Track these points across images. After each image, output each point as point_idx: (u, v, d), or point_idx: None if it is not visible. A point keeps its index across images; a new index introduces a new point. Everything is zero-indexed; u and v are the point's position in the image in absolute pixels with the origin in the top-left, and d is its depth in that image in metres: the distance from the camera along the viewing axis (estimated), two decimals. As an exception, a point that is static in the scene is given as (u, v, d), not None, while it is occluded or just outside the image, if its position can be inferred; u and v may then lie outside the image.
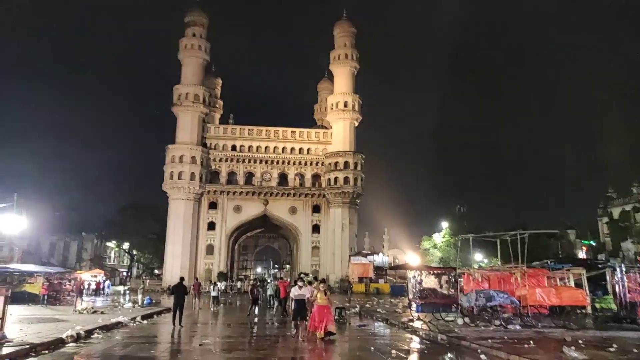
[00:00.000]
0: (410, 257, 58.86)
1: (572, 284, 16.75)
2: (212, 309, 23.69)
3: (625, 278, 16.01)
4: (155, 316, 19.89)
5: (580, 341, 11.36)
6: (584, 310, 15.39)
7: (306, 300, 12.91)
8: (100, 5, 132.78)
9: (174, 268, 48.23)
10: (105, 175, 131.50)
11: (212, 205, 53.91)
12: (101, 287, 36.96)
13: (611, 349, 10.31)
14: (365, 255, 49.52)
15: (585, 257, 47.76)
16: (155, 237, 57.99)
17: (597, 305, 16.37)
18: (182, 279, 17.13)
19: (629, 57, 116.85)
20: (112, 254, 74.19)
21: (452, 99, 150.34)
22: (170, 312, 18.25)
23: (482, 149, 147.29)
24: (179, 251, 50.25)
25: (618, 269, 16.47)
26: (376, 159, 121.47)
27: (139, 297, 25.35)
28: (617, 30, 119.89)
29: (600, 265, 18.77)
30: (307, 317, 13.04)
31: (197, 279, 34.25)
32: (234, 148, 55.30)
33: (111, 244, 69.17)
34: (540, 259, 23.20)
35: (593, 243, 56.20)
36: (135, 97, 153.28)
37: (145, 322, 17.62)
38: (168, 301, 24.45)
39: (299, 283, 13.57)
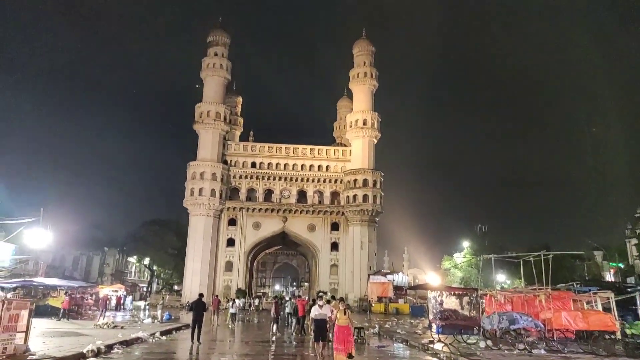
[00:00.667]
0: (431, 277, 57.97)
1: (600, 307, 16.20)
2: (230, 326, 23.64)
3: (656, 302, 15.42)
4: (174, 332, 19.95)
5: (609, 368, 10.93)
6: (613, 336, 14.81)
7: (327, 320, 12.26)
8: (125, 27, 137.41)
9: (193, 284, 48.45)
10: (129, 192, 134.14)
11: (232, 222, 54.26)
12: (122, 302, 37.32)
13: (642, 377, 9.89)
14: (384, 275, 48.94)
15: (613, 279, 46.19)
16: (176, 252, 58.57)
17: (628, 331, 15.72)
18: (201, 295, 17.17)
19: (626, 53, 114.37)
20: (133, 269, 75.12)
21: (473, 115, 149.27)
22: (189, 328, 18.28)
23: (505, 167, 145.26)
24: (199, 267, 50.51)
25: (648, 293, 15.89)
26: (396, 177, 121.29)
27: (159, 312, 25.48)
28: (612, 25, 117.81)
29: (629, 289, 18.10)
30: (330, 339, 12.53)
31: (217, 295, 34.27)
32: (253, 165, 55.83)
33: (132, 259, 70.05)
34: (566, 281, 22.56)
35: (621, 265, 54.25)
36: (159, 116, 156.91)
37: (164, 338, 17.69)
38: (187, 317, 24.52)
39: (319, 302, 12.71)
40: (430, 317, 22.32)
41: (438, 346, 15.57)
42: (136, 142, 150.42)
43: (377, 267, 54.83)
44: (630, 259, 54.74)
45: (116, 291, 38.60)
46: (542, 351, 13.94)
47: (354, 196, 53.46)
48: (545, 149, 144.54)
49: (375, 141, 56.92)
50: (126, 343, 14.64)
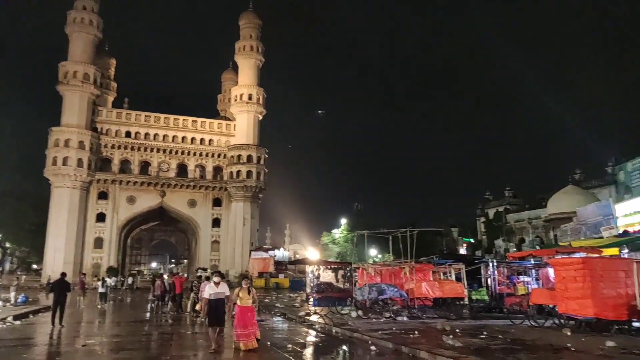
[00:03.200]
0: (310, 252, 60.19)
1: (453, 277, 18.42)
2: (99, 307, 22.06)
3: (496, 272, 18.03)
4: (31, 316, 18.00)
5: (457, 330, 12.55)
6: (462, 302, 17.00)
7: (225, 301, 10.18)
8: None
9: (56, 262, 43.97)
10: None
11: (103, 195, 50.14)
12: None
13: (482, 336, 11.55)
14: (266, 250, 49.71)
15: (465, 253, 52.71)
16: (35, 228, 52.30)
17: (473, 297, 18.17)
18: (63, 274, 15.77)
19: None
20: (-22, 247, 65.40)
21: (354, 102, 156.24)
22: (49, 311, 16.64)
23: (380, 152, 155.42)
24: (63, 244, 45.97)
25: (490, 264, 18.49)
26: (280, 155, 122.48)
27: (12, 294, 22.69)
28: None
29: (476, 261, 20.85)
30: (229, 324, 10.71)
31: (83, 274, 31.77)
32: (128, 134, 51.91)
33: (-23, 235, 60.95)
34: (428, 255, 25.13)
35: (472, 240, 62.14)
36: (16, 74, 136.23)
37: (18, 322, 15.87)
38: (48, 300, 22.26)
39: (215, 279, 10.40)
40: (308, 290, 23.37)
41: (314, 318, 16.36)
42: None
43: (259, 243, 55.38)
44: (479, 235, 62.84)
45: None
46: (405, 318, 15.51)
47: (238, 172, 52.86)
48: (415, 134, 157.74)
49: (260, 117, 56.63)
50: (-31, 331, 12.85)
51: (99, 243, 49.34)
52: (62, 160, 47.00)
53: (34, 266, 57.45)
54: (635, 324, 12.09)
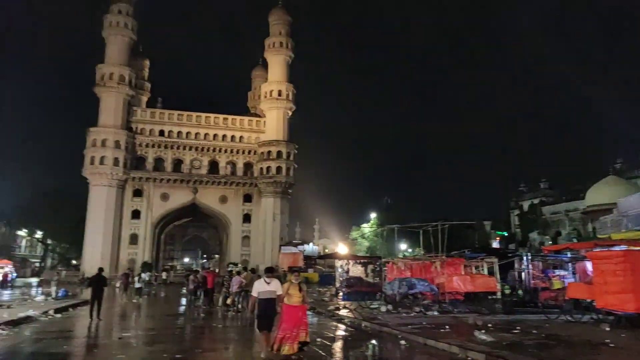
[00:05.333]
0: (339, 247, 60.23)
1: (486, 271, 18.03)
2: (134, 301, 22.74)
3: (530, 266, 17.53)
4: (70, 309, 18.72)
5: (489, 324, 12.28)
6: (494, 296, 16.63)
7: (276, 300, 8.66)
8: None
9: (93, 258, 45.48)
10: (19, 159, 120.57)
11: (137, 193, 51.55)
12: (8, 279, 34.01)
13: (515, 331, 11.26)
14: (295, 245, 49.94)
15: (498, 246, 51.54)
16: (74, 225, 54.27)
17: (506, 291, 17.75)
18: (100, 269, 16.26)
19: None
20: (23, 244, 68.48)
21: (385, 96, 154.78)
22: (88, 304, 17.26)
23: (411, 145, 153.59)
24: (100, 240, 47.61)
25: (524, 258, 17.98)
26: (309, 150, 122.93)
27: (53, 289, 23.67)
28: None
29: (510, 255, 20.35)
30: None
31: (129, 269, 33.79)
32: (162, 133, 53.12)
33: (22, 232, 63.82)
34: (459, 249, 24.69)
35: (505, 234, 60.74)
36: (55, 76, 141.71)
37: (59, 315, 16.54)
38: (86, 293, 23.11)
39: (265, 278, 8.87)
40: (337, 284, 23.40)
41: (343, 312, 16.36)
42: (29, 104, 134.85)
43: (288, 238, 55.73)
44: (513, 228, 61.35)
45: (1, 267, 35.06)
46: (435, 312, 15.28)
47: (268, 168, 53.30)
48: (446, 129, 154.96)
49: (290, 113, 56.83)
50: (13, 323, 13.45)
51: (134, 239, 50.82)
52: (100, 159, 48.61)
53: (73, 261, 59.60)
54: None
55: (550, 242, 46.47)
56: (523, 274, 17.67)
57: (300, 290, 8.47)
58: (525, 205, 59.62)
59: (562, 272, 17.93)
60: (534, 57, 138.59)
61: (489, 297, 16.49)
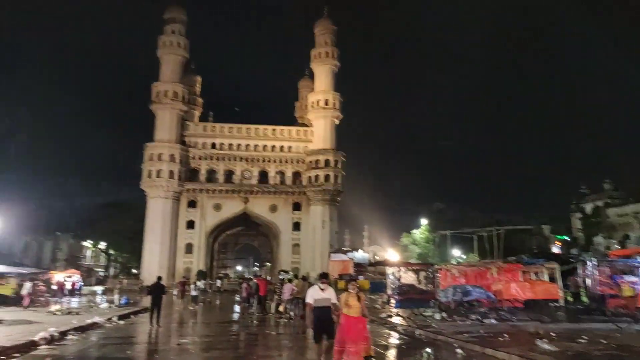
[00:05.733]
0: (390, 254, 59.40)
1: (546, 278, 17.14)
2: (191, 308, 23.48)
3: (595, 272, 16.47)
4: (132, 316, 19.60)
5: (552, 333, 11.65)
6: (556, 304, 15.77)
7: (332, 309, 8.13)
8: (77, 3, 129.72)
9: (152, 267, 47.58)
10: (83, 174, 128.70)
11: (191, 204, 53.45)
12: (76, 287, 36.15)
13: (581, 341, 10.61)
14: (345, 252, 49.73)
15: (559, 251, 48.92)
16: (133, 236, 57.04)
17: (570, 298, 16.80)
18: (159, 278, 16.92)
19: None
20: (89, 254, 72.65)
21: (432, 100, 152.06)
22: (148, 312, 18.00)
23: (461, 148, 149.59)
24: (158, 250, 49.69)
25: (589, 263, 16.93)
26: (357, 157, 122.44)
27: (116, 297, 24.91)
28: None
29: (572, 260, 19.25)
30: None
31: (185, 278, 34.93)
32: (213, 146, 54.90)
33: (87, 243, 67.79)
34: (516, 254, 23.67)
35: (566, 238, 57.55)
36: (114, 95, 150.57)
37: (122, 322, 17.35)
38: (146, 301, 24.12)
39: (320, 285, 8.37)
40: (389, 292, 23.04)
41: (396, 320, 16.08)
42: (90, 123, 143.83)
43: (338, 245, 55.67)
44: (575, 232, 58.04)
45: (70, 277, 37.32)
46: (493, 320, 14.68)
47: (316, 176, 53.69)
48: (499, 124, 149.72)
49: (337, 121, 57.08)
50: (81, 329, 14.25)
51: (189, 248, 52.66)
52: (156, 172, 50.96)
53: (134, 270, 62.48)
54: None
55: (617, 246, 43.55)
56: (588, 280, 16.64)
57: (359, 300, 7.70)
58: (588, 207, 56.32)
59: (633, 279, 16.72)
60: (598, 47, 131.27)
61: (551, 304, 15.64)
